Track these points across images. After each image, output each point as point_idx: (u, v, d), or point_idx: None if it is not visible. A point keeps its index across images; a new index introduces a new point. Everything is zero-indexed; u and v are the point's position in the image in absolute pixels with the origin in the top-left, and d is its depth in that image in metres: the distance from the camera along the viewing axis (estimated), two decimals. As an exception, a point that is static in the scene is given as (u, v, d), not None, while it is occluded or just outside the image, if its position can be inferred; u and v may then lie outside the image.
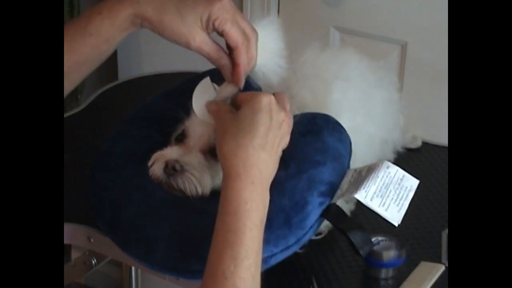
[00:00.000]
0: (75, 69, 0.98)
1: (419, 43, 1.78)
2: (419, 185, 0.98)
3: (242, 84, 0.98)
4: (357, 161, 1.06)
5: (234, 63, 0.97)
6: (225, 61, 0.97)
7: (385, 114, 1.22)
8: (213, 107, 0.97)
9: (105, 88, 1.52)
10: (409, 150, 1.33)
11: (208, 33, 0.96)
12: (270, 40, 1.00)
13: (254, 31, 0.97)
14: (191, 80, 1.12)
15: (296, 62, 1.13)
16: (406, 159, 1.31)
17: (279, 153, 0.93)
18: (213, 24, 0.95)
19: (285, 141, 0.94)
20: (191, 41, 0.95)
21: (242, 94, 0.96)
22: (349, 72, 1.17)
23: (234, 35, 0.95)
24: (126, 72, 2.27)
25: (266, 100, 0.92)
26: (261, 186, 0.88)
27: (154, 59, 2.18)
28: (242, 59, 0.96)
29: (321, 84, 1.12)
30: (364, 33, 1.85)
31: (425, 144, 1.36)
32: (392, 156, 1.26)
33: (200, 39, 0.95)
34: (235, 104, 0.96)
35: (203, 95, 1.00)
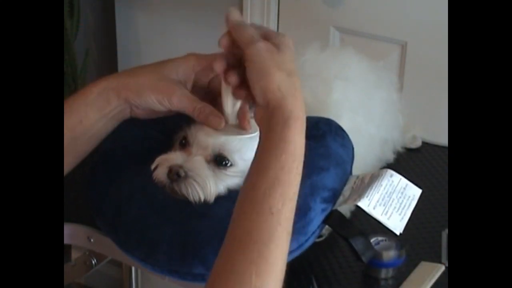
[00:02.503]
0: None
1: (419, 43, 1.78)
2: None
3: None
4: (357, 161, 1.06)
5: None
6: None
7: (385, 114, 1.22)
8: (248, 36, 0.86)
9: (105, 88, 1.51)
10: (409, 150, 1.33)
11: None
12: None
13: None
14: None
15: (297, 62, 1.13)
16: (406, 159, 1.31)
17: None
18: (196, 72, 0.96)
19: None
20: (173, 95, 0.94)
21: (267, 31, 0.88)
22: (349, 72, 1.17)
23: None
24: (126, 72, 2.27)
25: (292, 42, 0.88)
26: None
27: (154, 59, 2.18)
28: None
29: (321, 84, 1.12)
30: (364, 33, 1.85)
31: (425, 144, 1.36)
32: (392, 156, 1.26)
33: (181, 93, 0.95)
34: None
35: None
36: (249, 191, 0.82)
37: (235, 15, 0.88)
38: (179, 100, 0.95)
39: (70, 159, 0.97)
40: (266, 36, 0.87)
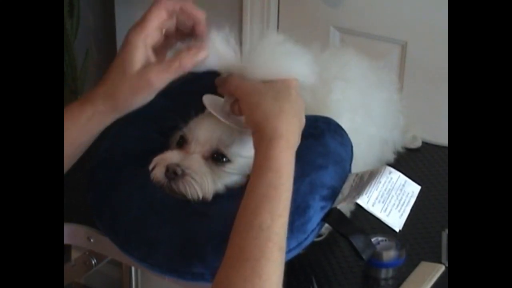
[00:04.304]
0: None
1: (419, 43, 1.78)
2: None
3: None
4: (357, 162, 1.06)
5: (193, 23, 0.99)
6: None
7: (385, 114, 1.22)
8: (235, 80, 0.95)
9: (105, 88, 1.51)
10: (409, 150, 1.33)
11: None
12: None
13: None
14: (190, 80, 1.12)
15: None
16: (406, 159, 1.31)
17: None
18: (147, 44, 0.97)
19: None
20: (152, 83, 0.96)
21: None
22: (349, 72, 1.17)
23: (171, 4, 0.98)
24: (126, 72, 2.26)
25: (295, 83, 0.94)
26: (295, 154, 0.90)
27: (154, 59, 2.18)
28: (196, 12, 0.99)
29: (321, 84, 1.12)
30: (364, 33, 1.85)
31: (425, 144, 1.36)
32: (392, 156, 1.26)
33: (155, 70, 0.96)
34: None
35: (214, 100, 1.01)
36: (241, 210, 0.86)
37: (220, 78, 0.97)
38: (159, 80, 0.96)
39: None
40: None
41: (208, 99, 1.01)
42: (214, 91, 1.02)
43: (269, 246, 0.82)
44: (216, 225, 0.94)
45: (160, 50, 1.00)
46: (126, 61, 0.97)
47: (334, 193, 0.97)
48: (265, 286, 0.80)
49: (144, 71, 0.96)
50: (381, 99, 1.21)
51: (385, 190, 0.95)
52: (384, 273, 1.02)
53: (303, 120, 0.95)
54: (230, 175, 1.00)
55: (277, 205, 0.85)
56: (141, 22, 0.98)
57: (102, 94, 0.98)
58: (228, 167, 1.00)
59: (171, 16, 0.99)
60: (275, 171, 0.87)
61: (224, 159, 1.00)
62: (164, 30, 1.01)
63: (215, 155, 1.00)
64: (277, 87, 0.93)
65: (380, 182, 0.95)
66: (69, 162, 1.00)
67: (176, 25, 1.01)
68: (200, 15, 0.99)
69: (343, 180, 0.99)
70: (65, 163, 0.98)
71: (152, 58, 0.98)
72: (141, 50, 0.97)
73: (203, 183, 0.98)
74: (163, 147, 1.04)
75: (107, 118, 0.98)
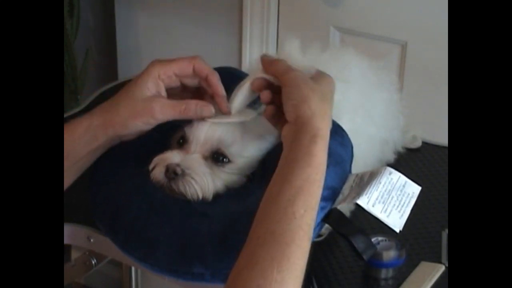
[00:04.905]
0: None
1: (419, 43, 1.78)
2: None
3: (228, 109, 1.01)
4: (357, 162, 1.06)
5: (213, 93, 1.01)
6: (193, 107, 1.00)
7: (385, 114, 1.22)
8: (283, 65, 0.97)
9: (105, 88, 1.52)
10: (409, 150, 1.33)
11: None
12: None
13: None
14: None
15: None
16: (406, 159, 1.31)
17: None
18: (163, 80, 1.00)
19: None
20: (154, 112, 0.99)
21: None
22: (349, 73, 1.17)
23: (201, 67, 1.00)
24: (126, 72, 2.27)
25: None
26: None
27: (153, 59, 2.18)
28: (218, 86, 1.01)
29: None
30: (364, 33, 1.85)
31: (425, 144, 1.36)
32: (392, 156, 1.26)
33: (160, 103, 0.99)
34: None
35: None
36: (274, 196, 0.87)
37: (267, 56, 0.99)
38: (162, 113, 0.99)
39: None
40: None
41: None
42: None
43: (300, 234, 0.84)
44: (216, 225, 0.94)
45: (173, 97, 1.02)
46: (137, 85, 1.00)
47: (334, 194, 0.97)
48: (291, 268, 0.82)
49: (151, 99, 0.99)
50: (381, 99, 1.21)
51: (385, 190, 0.95)
52: (384, 273, 1.02)
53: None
54: (230, 175, 1.01)
55: (311, 199, 0.88)
56: (167, 61, 1.01)
57: (103, 108, 1.01)
58: (229, 167, 1.00)
59: (195, 75, 1.02)
60: (314, 167, 0.89)
61: (225, 159, 1.00)
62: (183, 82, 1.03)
63: (215, 155, 1.00)
64: (324, 89, 0.95)
65: (381, 183, 0.95)
66: (66, 177, 0.99)
67: (198, 86, 1.04)
68: (220, 90, 1.01)
69: (343, 181, 0.99)
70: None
71: (163, 94, 1.01)
72: (155, 82, 1.00)
73: (203, 183, 0.98)
74: (163, 147, 1.04)
75: (101, 133, 1.00)
